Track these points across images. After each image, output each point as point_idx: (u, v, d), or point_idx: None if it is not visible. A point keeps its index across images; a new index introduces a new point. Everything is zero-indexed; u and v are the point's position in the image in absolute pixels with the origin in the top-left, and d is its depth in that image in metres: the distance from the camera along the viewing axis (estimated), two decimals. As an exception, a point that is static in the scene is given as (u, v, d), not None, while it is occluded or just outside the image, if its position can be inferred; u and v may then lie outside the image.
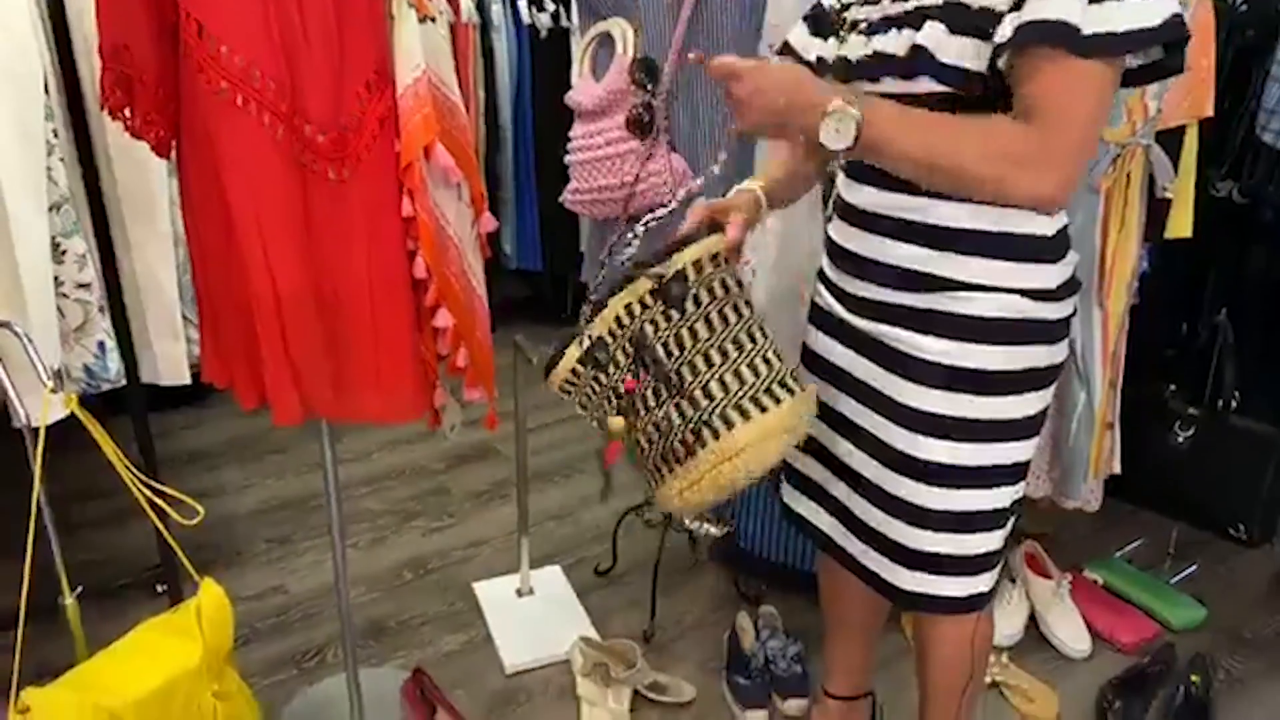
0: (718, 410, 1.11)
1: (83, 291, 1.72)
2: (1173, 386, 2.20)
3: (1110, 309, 1.82)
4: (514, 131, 3.38)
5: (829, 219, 1.34)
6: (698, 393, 1.13)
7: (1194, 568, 2.25)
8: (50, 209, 1.63)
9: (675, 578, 2.22)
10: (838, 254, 1.29)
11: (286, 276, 1.30)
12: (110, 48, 1.24)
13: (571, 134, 1.72)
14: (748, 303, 1.17)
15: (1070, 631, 2.00)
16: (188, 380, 1.90)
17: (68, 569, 1.30)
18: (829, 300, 1.32)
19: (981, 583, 1.30)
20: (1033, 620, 2.05)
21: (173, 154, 1.35)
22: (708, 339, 1.14)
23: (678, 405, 1.13)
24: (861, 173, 1.21)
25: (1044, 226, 1.15)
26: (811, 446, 1.40)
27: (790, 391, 1.14)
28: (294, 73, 1.24)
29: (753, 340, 1.15)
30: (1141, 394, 2.08)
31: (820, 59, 1.24)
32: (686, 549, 2.32)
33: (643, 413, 1.17)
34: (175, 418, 2.91)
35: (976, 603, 1.31)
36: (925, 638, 1.44)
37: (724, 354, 1.14)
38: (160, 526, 1.17)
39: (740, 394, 1.12)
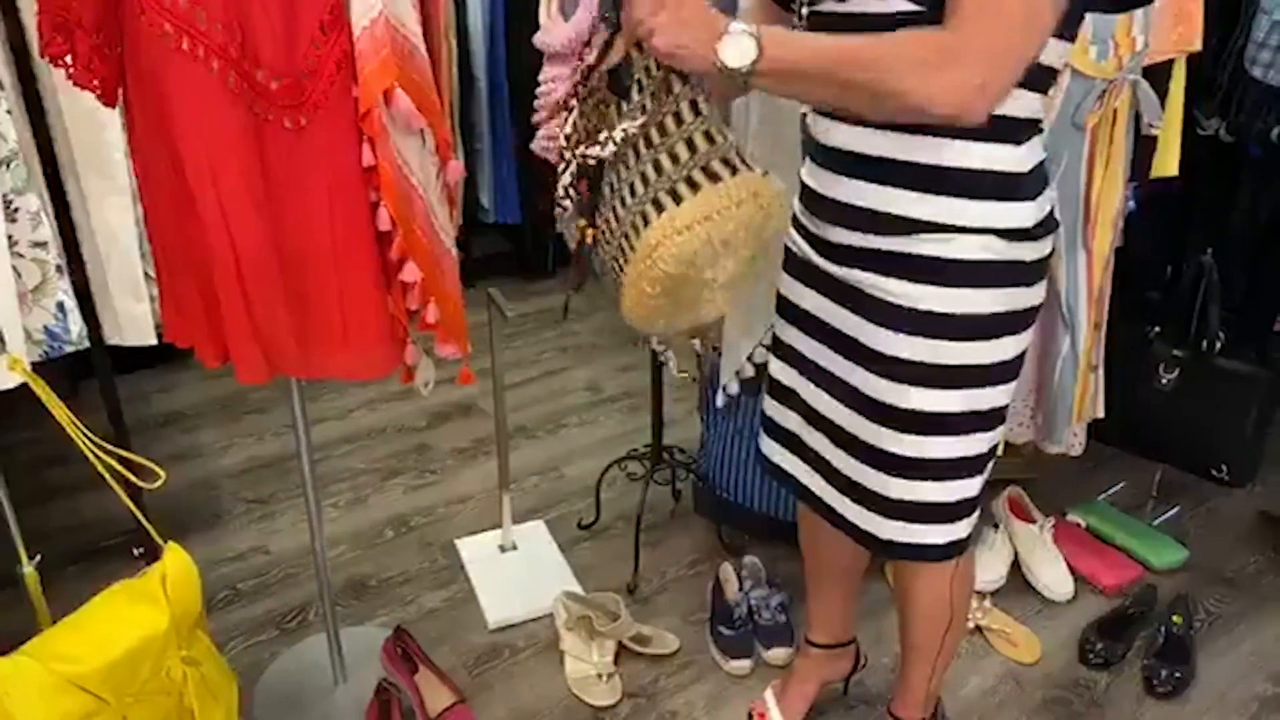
0: (663, 188, 1.12)
1: (39, 250, 1.66)
2: (1157, 328, 2.18)
3: (1095, 250, 1.79)
4: (488, 79, 3.29)
5: (803, 160, 1.30)
6: (641, 176, 1.14)
7: (1176, 510, 2.26)
8: (0, 164, 1.57)
9: (658, 530, 2.21)
10: (809, 197, 1.25)
11: (244, 231, 1.26)
12: (46, -11, 1.18)
13: (540, 77, 1.66)
14: (706, 100, 1.14)
15: (1053, 575, 2.01)
16: (153, 340, 1.85)
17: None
18: (802, 245, 1.29)
19: (960, 529, 1.29)
20: (1015, 565, 2.06)
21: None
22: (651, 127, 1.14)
23: (625, 195, 1.15)
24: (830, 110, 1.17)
25: (1017, 163, 1.11)
26: (787, 397, 1.37)
27: (735, 170, 1.12)
28: (243, 15, 1.18)
29: (698, 120, 1.13)
30: (1125, 336, 2.07)
31: None
32: (670, 502, 2.31)
33: (601, 210, 1.19)
34: (150, 379, 2.86)
35: (955, 549, 1.30)
36: (905, 585, 1.43)
37: (663, 131, 1.14)
38: (120, 492, 1.14)
39: (683, 169, 1.12)
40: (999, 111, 1.04)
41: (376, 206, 1.34)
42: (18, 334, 1.62)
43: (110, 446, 1.14)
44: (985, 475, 1.28)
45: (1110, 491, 2.32)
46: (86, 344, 1.75)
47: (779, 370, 1.39)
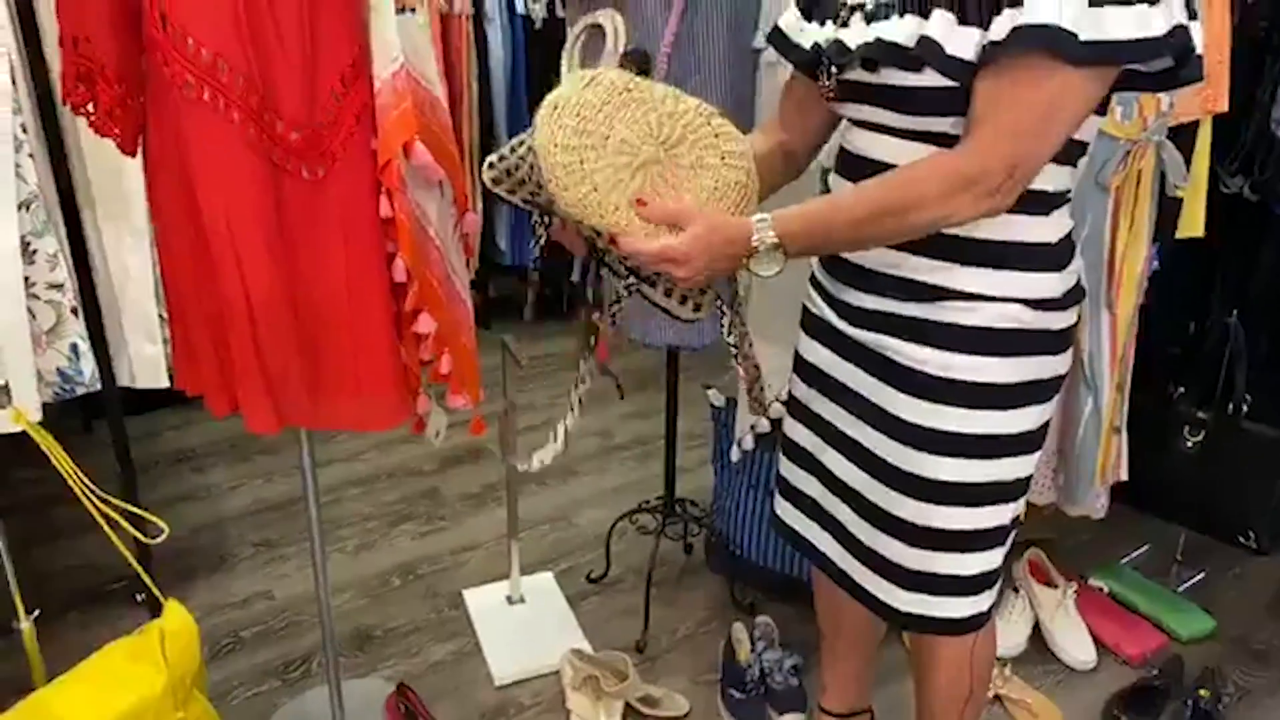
0: None
1: (54, 292, 1.66)
2: (1181, 389, 2.14)
3: (1119, 311, 1.76)
4: (508, 125, 3.32)
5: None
6: None
7: (1202, 575, 2.19)
8: (20, 207, 1.57)
9: (670, 585, 2.17)
10: (829, 259, 1.23)
11: (258, 280, 1.25)
12: (70, 39, 1.18)
13: (560, 130, 1.66)
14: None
15: (1075, 643, 1.95)
16: (165, 383, 1.84)
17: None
18: (822, 307, 1.26)
19: (982, 602, 1.24)
20: (1036, 631, 2.00)
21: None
22: None
23: None
24: (854, 173, 1.15)
25: (1047, 233, 1.09)
26: (805, 460, 1.34)
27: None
28: (264, 66, 1.18)
29: None
30: (1148, 396, 2.03)
31: (815, 45, 1.18)
32: (681, 556, 2.26)
33: None
34: (162, 418, 2.85)
35: (976, 622, 1.25)
36: (924, 656, 1.39)
37: None
38: (121, 547, 1.12)
39: None
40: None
41: (393, 257, 1.33)
42: (28, 381, 1.62)
43: (113, 500, 1.11)
44: (1008, 546, 1.24)
45: (1134, 555, 2.26)
46: (99, 386, 1.74)
47: (795, 431, 1.36)
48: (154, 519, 1.13)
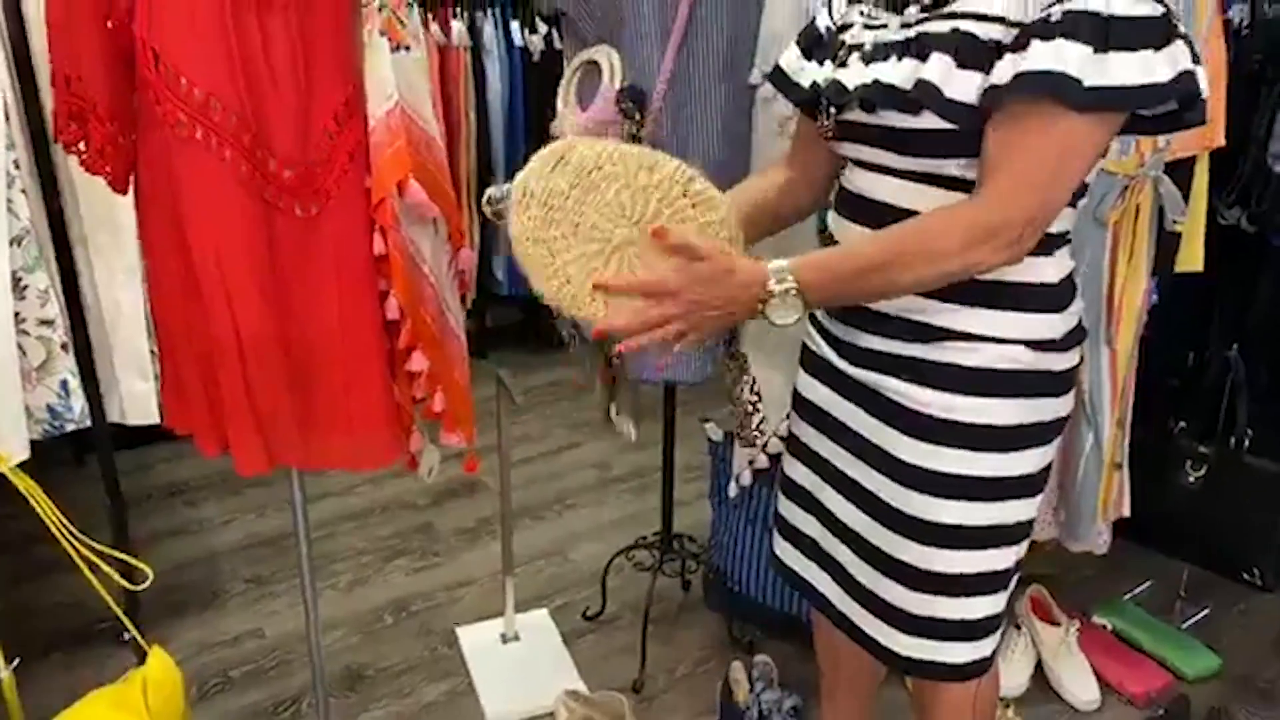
0: None
1: (45, 328, 1.64)
2: (1182, 423, 2.12)
3: (1119, 347, 1.75)
4: (506, 156, 3.32)
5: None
6: None
7: (1206, 612, 2.16)
8: (11, 242, 1.56)
9: (667, 623, 2.13)
10: (829, 298, 1.22)
11: (249, 320, 1.23)
12: (62, 77, 1.18)
13: (556, 165, 1.66)
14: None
15: (1078, 682, 1.91)
16: (156, 420, 1.82)
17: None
18: (822, 345, 1.25)
19: (984, 647, 1.22)
20: (1039, 670, 1.97)
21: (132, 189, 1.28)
22: None
23: None
24: (855, 213, 1.14)
25: (1048, 274, 1.08)
26: (804, 499, 1.32)
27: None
28: (257, 105, 1.17)
29: None
30: (1149, 430, 2.01)
31: (814, 84, 1.17)
32: (679, 592, 2.23)
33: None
34: (155, 450, 2.82)
35: (979, 668, 1.22)
36: (926, 699, 1.36)
37: None
38: (100, 589, 1.09)
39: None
40: None
41: (386, 295, 1.32)
42: (17, 418, 1.60)
43: (95, 545, 1.09)
44: (1010, 590, 1.22)
45: (1136, 591, 2.23)
46: (88, 423, 1.72)
47: (794, 469, 1.34)
48: (139, 563, 1.11)
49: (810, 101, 1.18)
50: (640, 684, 1.95)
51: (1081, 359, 1.15)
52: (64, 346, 1.66)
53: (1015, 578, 1.22)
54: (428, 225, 1.35)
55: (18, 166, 1.56)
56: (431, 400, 1.41)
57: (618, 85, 1.51)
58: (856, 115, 1.08)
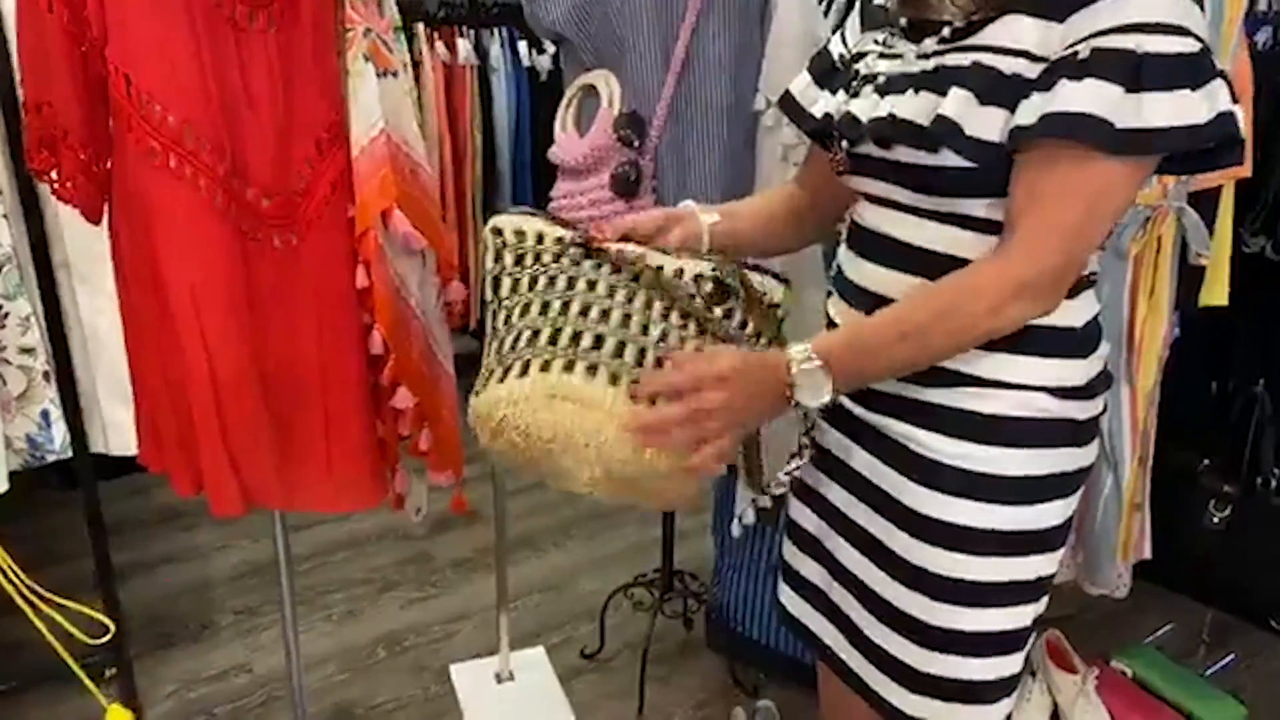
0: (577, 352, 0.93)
1: (26, 357, 1.59)
2: (1205, 461, 2.03)
3: (1139, 384, 1.67)
4: (512, 175, 3.27)
5: (828, 294, 1.20)
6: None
7: (1231, 659, 2.07)
8: (-9, 269, 1.52)
9: (666, 664, 2.06)
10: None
11: (225, 356, 1.18)
12: (34, 104, 1.13)
13: (553, 193, 1.60)
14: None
15: (1097, 733, 1.83)
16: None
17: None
18: (830, 386, 1.18)
19: (995, 711, 1.14)
20: (1055, 716, 1.88)
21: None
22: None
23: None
24: (868, 250, 1.08)
25: (1073, 318, 1.01)
26: (809, 545, 1.25)
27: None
28: (234, 133, 1.12)
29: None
30: (1171, 467, 1.92)
31: (826, 114, 1.10)
32: (680, 630, 2.16)
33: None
34: (150, 475, 2.77)
35: (991, 732, 1.15)
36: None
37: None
38: (61, 650, 1.04)
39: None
40: None
41: (370, 329, 1.26)
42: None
43: (56, 599, 1.04)
44: (1026, 649, 1.14)
45: (1158, 634, 2.15)
46: (69, 454, 1.67)
47: (801, 514, 1.27)
48: (100, 616, 1.05)
49: (821, 131, 1.12)
50: (638, 728, 1.88)
51: (1105, 409, 1.07)
52: (46, 375, 1.61)
53: (1032, 636, 1.15)
54: (415, 257, 1.29)
55: (0, 192, 1.52)
56: (418, 438, 1.35)
57: (616, 111, 1.45)
58: (870, 149, 1.01)
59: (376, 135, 1.19)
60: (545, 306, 0.96)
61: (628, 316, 0.96)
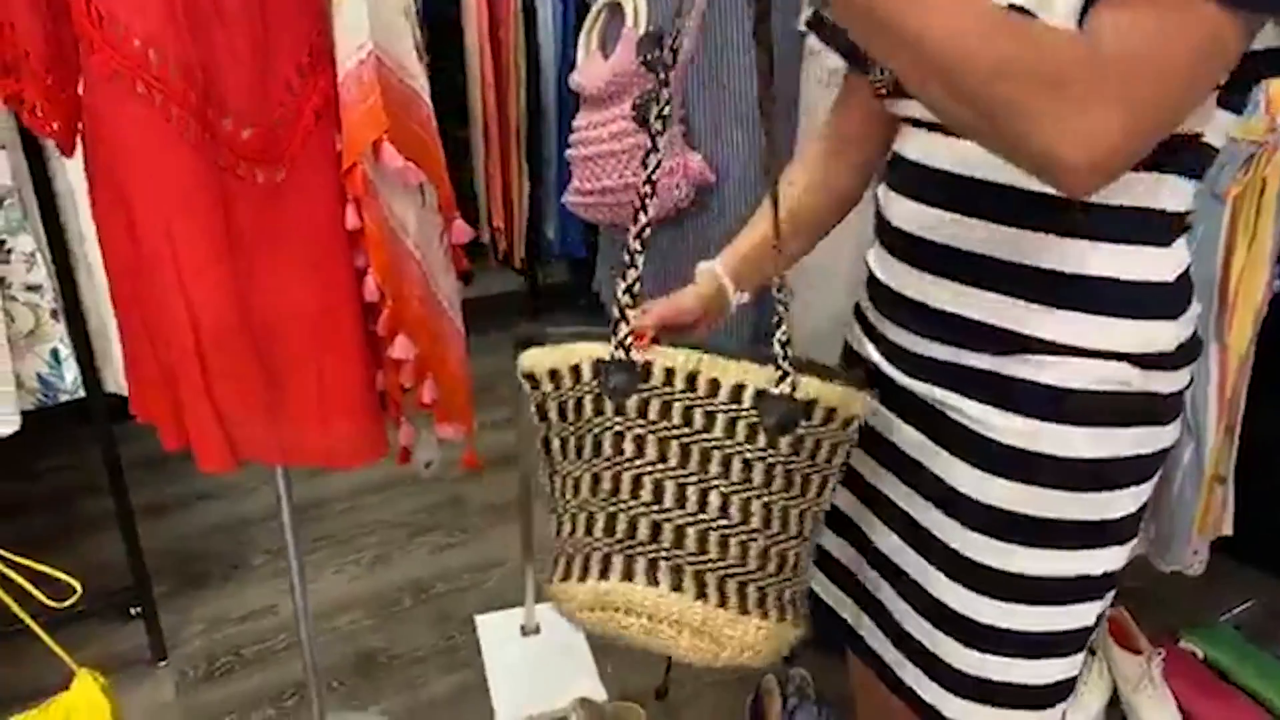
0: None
1: (32, 294, 1.54)
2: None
3: (1231, 344, 1.49)
4: (557, 106, 3.12)
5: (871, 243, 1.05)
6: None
7: (1315, 642, 1.90)
8: (-8, 203, 1.46)
9: (698, 623, 1.97)
10: (879, 292, 1.01)
11: (206, 303, 1.09)
12: (-5, 25, 1.03)
13: (574, 123, 1.46)
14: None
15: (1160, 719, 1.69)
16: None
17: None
18: (865, 346, 1.04)
19: (1051, 716, 1.02)
20: (1114, 701, 1.75)
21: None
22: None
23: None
24: (910, 184, 0.93)
25: (1163, 269, 0.84)
26: (838, 522, 1.12)
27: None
28: (205, 55, 1.01)
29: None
30: (1259, 434, 1.74)
31: None
32: (714, 587, 2.07)
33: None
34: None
35: (1042, 740, 1.02)
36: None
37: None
38: (16, 608, 0.98)
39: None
40: (1141, 203, 0.80)
41: (364, 273, 1.16)
42: (6, 387, 1.52)
43: (16, 559, 0.98)
44: (1086, 650, 1.01)
45: (1234, 612, 1.98)
46: (82, 393, 1.62)
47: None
48: (67, 579, 0.99)
49: (857, 50, 0.96)
50: (665, 689, 1.79)
51: (1191, 382, 0.91)
52: (54, 314, 1.57)
53: (1094, 635, 1.01)
54: (412, 193, 1.18)
55: (-3, 124, 1.44)
56: (420, 390, 1.25)
57: (641, 31, 1.30)
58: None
59: (364, 58, 1.07)
60: (595, 482, 0.88)
61: (683, 489, 0.86)
